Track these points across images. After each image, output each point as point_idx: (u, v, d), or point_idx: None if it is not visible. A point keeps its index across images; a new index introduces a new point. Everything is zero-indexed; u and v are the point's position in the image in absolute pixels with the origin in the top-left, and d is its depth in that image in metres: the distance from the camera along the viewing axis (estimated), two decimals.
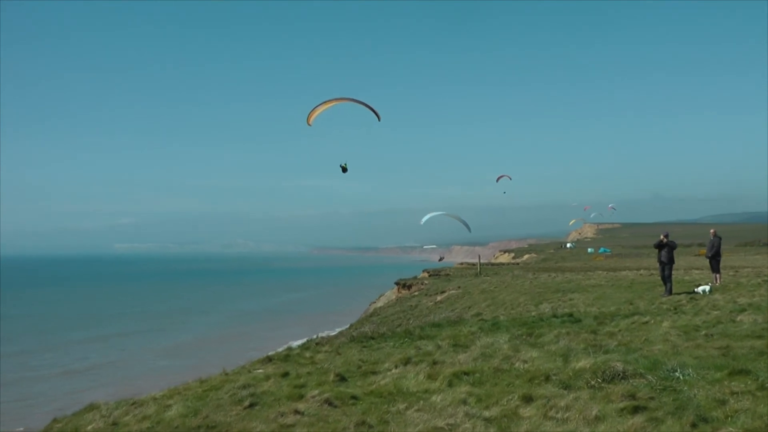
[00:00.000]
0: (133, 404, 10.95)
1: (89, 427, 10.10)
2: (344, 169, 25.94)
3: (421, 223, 52.68)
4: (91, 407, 11.26)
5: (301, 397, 10.18)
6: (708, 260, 29.16)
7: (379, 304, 61.90)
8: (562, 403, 8.74)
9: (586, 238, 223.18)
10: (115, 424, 10.02)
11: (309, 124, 24.72)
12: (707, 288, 24.97)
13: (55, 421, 11.17)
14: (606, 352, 11.91)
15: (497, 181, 58.67)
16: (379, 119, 25.07)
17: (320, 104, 24.57)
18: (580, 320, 18.03)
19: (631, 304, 23.07)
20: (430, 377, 10.86)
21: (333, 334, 44.10)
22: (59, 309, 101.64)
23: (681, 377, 9.66)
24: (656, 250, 26.03)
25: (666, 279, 25.33)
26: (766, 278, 28.99)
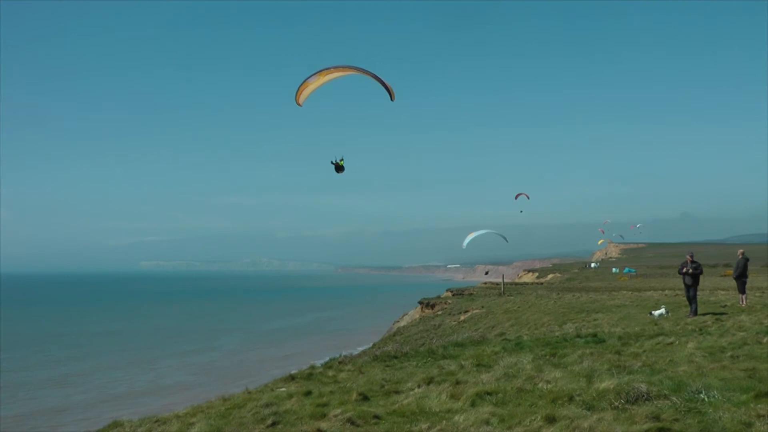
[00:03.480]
0: (156, 422, 11.00)
1: None
2: (339, 167, 21.13)
3: (463, 246, 53.42)
4: (115, 424, 11.35)
5: (323, 416, 10.18)
6: (734, 280, 28.88)
7: (403, 323, 61.78)
8: (586, 424, 8.65)
9: (610, 258, 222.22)
10: None
11: (299, 104, 20.13)
12: (663, 311, 24.94)
13: None
14: (630, 372, 11.81)
15: (516, 198, 58.42)
16: (392, 98, 19.76)
17: (312, 76, 19.52)
18: (604, 341, 17.92)
19: (655, 324, 22.90)
20: (453, 397, 10.81)
21: (356, 353, 44.07)
22: (84, 326, 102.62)
23: (706, 399, 9.55)
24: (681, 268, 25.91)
25: (691, 300, 25.15)
26: None
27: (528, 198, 58.95)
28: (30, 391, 48.08)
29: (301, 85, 19.61)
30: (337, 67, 19.25)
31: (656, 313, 25.28)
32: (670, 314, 24.74)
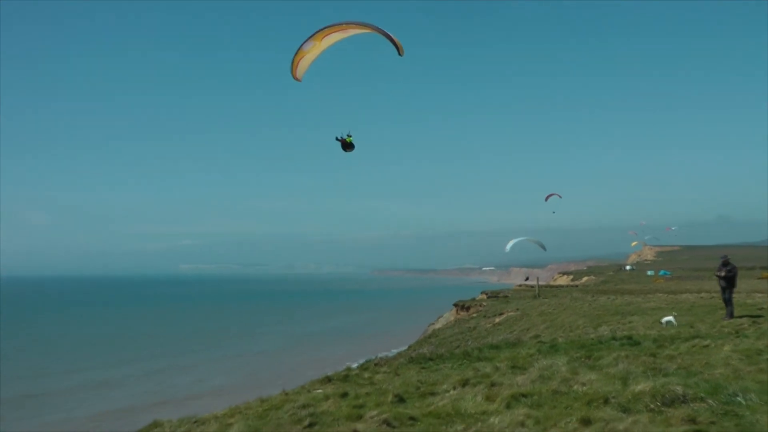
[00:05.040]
0: (195, 422, 11.12)
1: None
2: (346, 144, 18.55)
3: (506, 250, 53.73)
4: (155, 425, 11.51)
5: (359, 417, 10.19)
6: None
7: (438, 325, 61.74)
8: (621, 427, 8.57)
9: (645, 260, 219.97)
10: None
11: (297, 80, 17.34)
12: (671, 319, 24.62)
13: None
14: (665, 375, 11.69)
15: (546, 200, 57.42)
16: (401, 53, 16.58)
17: (307, 42, 16.40)
18: (639, 343, 17.77)
19: (691, 327, 22.67)
20: (488, 399, 10.79)
21: (391, 355, 44.10)
22: (127, 329, 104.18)
23: (743, 402, 9.39)
24: (717, 271, 25.66)
25: (727, 302, 24.87)
26: None
27: (560, 197, 58.07)
28: (74, 395, 48.81)
29: (296, 55, 16.64)
30: (333, 27, 16.22)
31: (664, 320, 25.05)
32: (676, 323, 24.46)
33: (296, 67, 16.73)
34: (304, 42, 16.23)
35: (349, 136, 18.27)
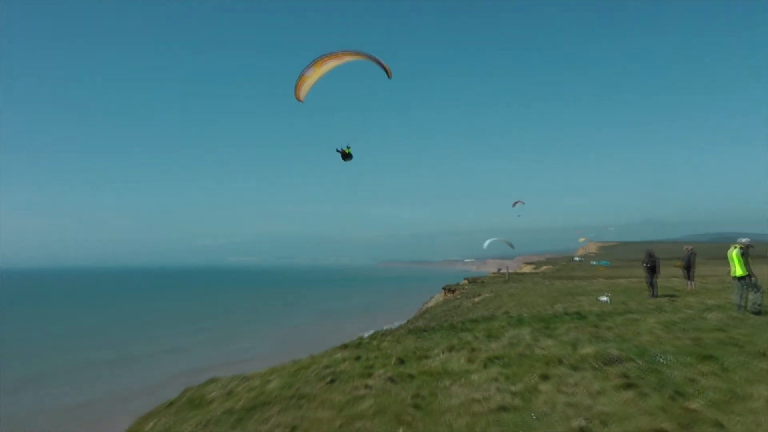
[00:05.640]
0: (243, 379, 11.34)
1: (211, 395, 10.56)
2: (345, 155, 16.70)
3: (484, 247, 54.10)
4: (213, 380, 11.77)
5: (369, 375, 10.34)
6: (683, 270, 28.86)
7: (430, 304, 61.59)
8: (572, 381, 8.76)
9: (590, 253, 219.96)
10: (230, 392, 10.43)
11: (300, 100, 16.04)
12: (606, 299, 24.63)
13: (186, 390, 11.56)
14: (605, 341, 11.79)
15: (513, 206, 56.93)
16: (389, 76, 15.39)
17: (309, 68, 15.35)
18: (585, 317, 17.82)
19: (624, 304, 22.71)
20: (470, 361, 10.88)
21: (394, 327, 44.05)
22: (194, 305, 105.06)
23: (663, 361, 9.65)
24: (643, 262, 25.76)
25: (651, 285, 24.96)
26: (727, 285, 28.57)
27: (524, 204, 57.66)
28: (154, 358, 48.89)
29: (299, 79, 15.67)
30: (330, 55, 15.20)
31: (601, 299, 25.06)
32: (610, 301, 24.44)
33: (299, 90, 15.81)
34: (306, 68, 15.38)
35: (348, 147, 16.77)
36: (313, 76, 15.50)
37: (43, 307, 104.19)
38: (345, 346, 15.54)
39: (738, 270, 16.71)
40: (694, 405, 7.25)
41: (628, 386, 8.26)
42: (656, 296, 24.37)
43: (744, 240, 17.18)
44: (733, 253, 16.88)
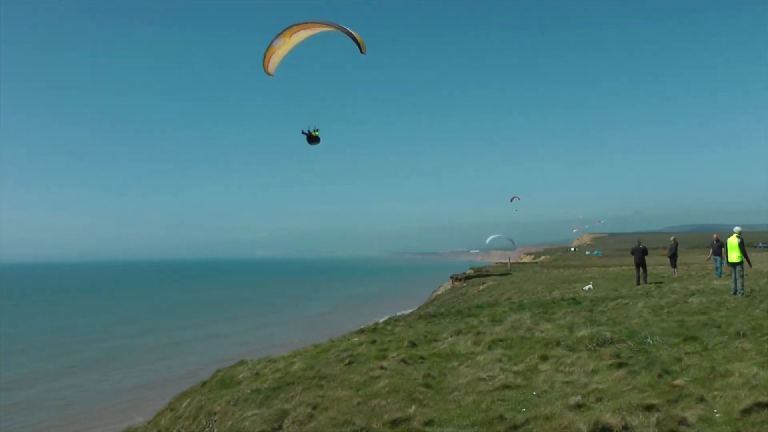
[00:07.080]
0: (269, 361, 11.43)
1: (240, 375, 10.73)
2: (312, 138, 13.90)
3: (487, 242, 54.41)
4: (242, 362, 11.94)
5: (384, 357, 10.38)
6: (669, 258, 28.73)
7: (439, 292, 61.56)
8: (569, 361, 8.79)
9: (584, 244, 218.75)
10: (257, 374, 10.57)
11: (270, 74, 13.43)
12: (590, 287, 24.52)
13: (218, 371, 11.72)
14: (599, 325, 11.76)
15: (511, 201, 56.69)
16: (363, 51, 12.56)
17: (278, 39, 12.84)
18: (580, 302, 17.84)
19: (616, 290, 22.71)
20: (475, 343, 10.89)
21: (406, 313, 44.10)
22: (227, 296, 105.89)
23: (651, 342, 9.67)
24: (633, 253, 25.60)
25: (640, 273, 24.86)
26: (708, 272, 28.52)
27: (519, 200, 57.42)
28: (190, 346, 48.85)
29: (267, 50, 13.09)
30: (300, 25, 12.77)
31: (586, 287, 25.01)
32: (593, 289, 24.33)
33: (268, 62, 13.25)
34: (274, 39, 12.88)
35: (316, 130, 14.00)
36: (284, 47, 13.15)
37: (96, 299, 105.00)
38: (362, 331, 15.64)
39: (737, 256, 16.56)
40: (679, 382, 7.25)
41: (620, 365, 8.27)
42: (647, 282, 24.26)
43: (737, 228, 17.03)
44: (735, 242, 16.72)
